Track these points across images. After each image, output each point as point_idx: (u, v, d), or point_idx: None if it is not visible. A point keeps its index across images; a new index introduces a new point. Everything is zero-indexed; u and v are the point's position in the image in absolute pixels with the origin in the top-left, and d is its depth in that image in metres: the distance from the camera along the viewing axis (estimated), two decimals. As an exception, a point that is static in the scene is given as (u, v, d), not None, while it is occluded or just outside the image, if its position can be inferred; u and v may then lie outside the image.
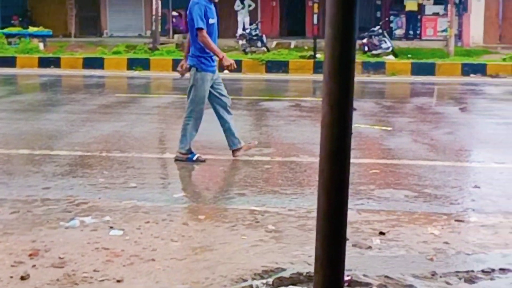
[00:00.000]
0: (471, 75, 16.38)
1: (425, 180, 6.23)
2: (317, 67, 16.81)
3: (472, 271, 3.90)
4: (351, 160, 6.05)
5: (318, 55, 17.60)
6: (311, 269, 3.81)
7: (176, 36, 23.54)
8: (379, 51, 19.00)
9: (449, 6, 19.99)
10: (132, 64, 17.88)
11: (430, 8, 24.00)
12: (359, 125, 9.09)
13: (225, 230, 4.65)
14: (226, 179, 6.31)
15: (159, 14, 20.32)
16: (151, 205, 5.25)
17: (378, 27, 19.93)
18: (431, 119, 10.00)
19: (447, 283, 3.73)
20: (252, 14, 23.62)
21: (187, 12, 7.00)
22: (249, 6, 23.37)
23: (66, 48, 20.95)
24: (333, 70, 1.57)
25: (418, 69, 16.66)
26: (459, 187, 6.00)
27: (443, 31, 22.63)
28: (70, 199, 5.42)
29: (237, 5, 23.27)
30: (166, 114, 10.65)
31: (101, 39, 24.66)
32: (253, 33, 19.90)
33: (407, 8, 23.73)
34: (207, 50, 6.85)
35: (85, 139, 8.11)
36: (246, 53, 19.20)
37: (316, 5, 19.93)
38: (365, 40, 19.25)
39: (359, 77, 15.91)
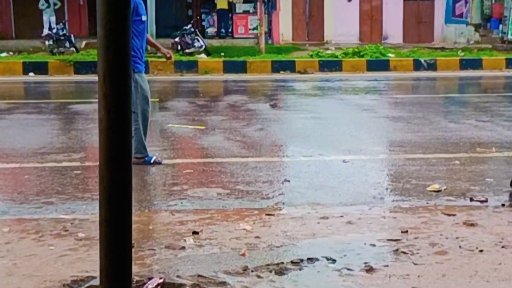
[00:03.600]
0: (281, 71, 16.95)
1: (237, 177, 6.33)
2: (130, 67, 16.56)
3: (282, 262, 4.00)
4: (165, 161, 6.04)
5: (130, 55, 17.33)
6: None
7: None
8: (192, 49, 19.10)
9: (258, 4, 20.56)
10: None
11: (240, 7, 24.59)
12: (173, 125, 9.08)
13: (31, 241, 4.41)
14: (32, 188, 5.99)
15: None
16: None
17: (190, 25, 20.04)
18: (243, 116, 10.21)
19: (259, 276, 3.79)
20: (59, 13, 22.78)
21: None
22: (55, 4, 22.51)
23: None
24: (107, 72, 1.50)
25: (231, 67, 16.97)
26: (270, 182, 6.16)
27: (254, 29, 23.27)
28: None
29: (42, 4, 22.31)
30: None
31: None
32: (60, 33, 19.19)
33: (218, 7, 24.14)
34: (140, 49, 6.65)
35: None
36: (53, 54, 18.46)
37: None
38: (177, 39, 19.28)
39: (172, 77, 15.93)
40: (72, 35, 19.56)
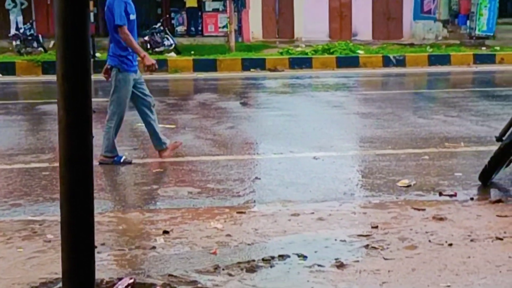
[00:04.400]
0: (251, 69, 16.94)
1: (208, 176, 6.31)
2: (97, 67, 16.37)
3: (253, 260, 4.00)
4: (135, 161, 5.98)
5: (97, 55, 17.19)
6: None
7: None
8: (161, 48, 19.02)
9: (227, 2, 20.51)
10: None
11: (209, 5, 24.51)
12: (142, 124, 8.99)
13: (-1, 244, 4.35)
14: (-1, 190, 5.92)
15: None
16: None
17: (159, 24, 19.93)
18: (214, 114, 10.19)
19: (230, 274, 3.78)
20: (26, 13, 22.51)
21: (106, 8, 6.63)
22: (22, 4, 22.24)
23: None
24: (66, 71, 1.47)
25: (201, 66, 16.90)
26: (241, 180, 6.15)
27: (223, 27, 23.20)
28: None
29: (8, 4, 22.01)
30: None
31: None
32: (28, 33, 18.99)
33: (188, 5, 24.03)
34: (129, 49, 6.58)
35: None
36: (21, 54, 18.25)
37: (91, 3, 19.45)
38: (147, 38, 19.17)
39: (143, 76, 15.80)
40: (39, 35, 19.36)
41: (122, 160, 6.71)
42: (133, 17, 6.71)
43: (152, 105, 6.99)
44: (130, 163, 6.75)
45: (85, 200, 1.57)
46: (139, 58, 6.77)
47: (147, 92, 6.93)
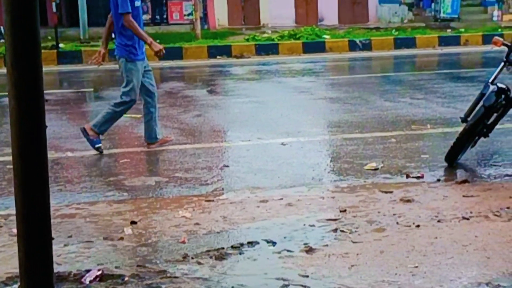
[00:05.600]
0: (218, 57, 16.87)
1: (175, 165, 6.27)
2: (61, 58, 16.21)
3: (223, 248, 3.98)
4: (104, 152, 5.86)
5: (61, 45, 16.97)
6: (61, 269, 3.63)
7: None
8: (127, 38, 18.81)
9: (192, -11, 20.38)
10: None
11: (174, -8, 24.31)
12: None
13: (-37, 240, 4.28)
14: (-38, 185, 5.81)
15: None
16: None
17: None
18: (180, 103, 10.12)
19: (199, 263, 3.76)
20: (-12, 5, 22.15)
21: None
22: (-17, -5, 21.89)
23: None
24: (16, 60, 1.43)
25: (166, 54, 16.58)
26: (209, 168, 6.12)
27: (189, 14, 23.05)
28: None
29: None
30: None
31: None
32: (-10, 25, 18.68)
33: (152, -7, 23.81)
34: (135, 37, 6.51)
35: None
36: (-18, 46, 17.94)
37: (54, -7, 19.16)
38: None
39: (107, 65, 15.63)
40: (1, 26, 19.02)
41: (96, 146, 6.65)
42: (138, 3, 6.67)
43: (156, 96, 6.95)
44: (101, 153, 6.68)
45: (40, 192, 1.53)
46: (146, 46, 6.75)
47: (153, 82, 6.91)
